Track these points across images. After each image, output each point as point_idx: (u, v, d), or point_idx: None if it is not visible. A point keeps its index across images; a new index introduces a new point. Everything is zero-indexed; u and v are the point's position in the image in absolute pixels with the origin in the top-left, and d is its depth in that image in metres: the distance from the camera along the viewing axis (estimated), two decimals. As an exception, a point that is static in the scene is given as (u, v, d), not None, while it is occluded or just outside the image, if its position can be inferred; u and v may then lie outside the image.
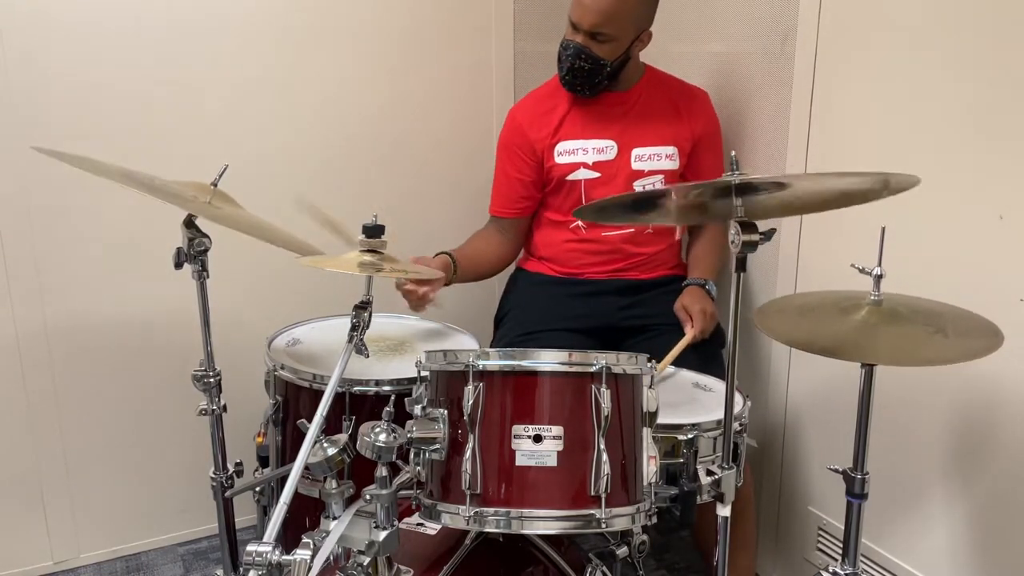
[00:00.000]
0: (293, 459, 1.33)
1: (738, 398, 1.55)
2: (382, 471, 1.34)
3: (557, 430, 1.31)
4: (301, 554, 1.21)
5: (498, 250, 2.17)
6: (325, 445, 1.38)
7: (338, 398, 1.65)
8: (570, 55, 1.95)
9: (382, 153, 2.44)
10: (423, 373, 1.42)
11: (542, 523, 1.32)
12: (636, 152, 2.04)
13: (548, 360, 1.34)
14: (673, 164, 2.06)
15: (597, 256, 2.10)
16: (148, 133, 2.15)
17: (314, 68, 2.31)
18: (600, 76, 1.97)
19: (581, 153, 2.04)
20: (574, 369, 1.34)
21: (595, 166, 2.04)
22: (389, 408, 1.36)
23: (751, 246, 1.25)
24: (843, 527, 1.49)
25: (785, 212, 1.69)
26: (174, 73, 2.15)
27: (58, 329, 2.17)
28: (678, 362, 1.84)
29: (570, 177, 2.05)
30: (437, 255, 2.01)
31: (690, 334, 1.90)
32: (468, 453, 1.32)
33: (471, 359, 1.34)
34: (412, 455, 1.39)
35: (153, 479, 2.35)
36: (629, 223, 2.04)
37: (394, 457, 1.35)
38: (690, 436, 1.54)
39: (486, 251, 2.15)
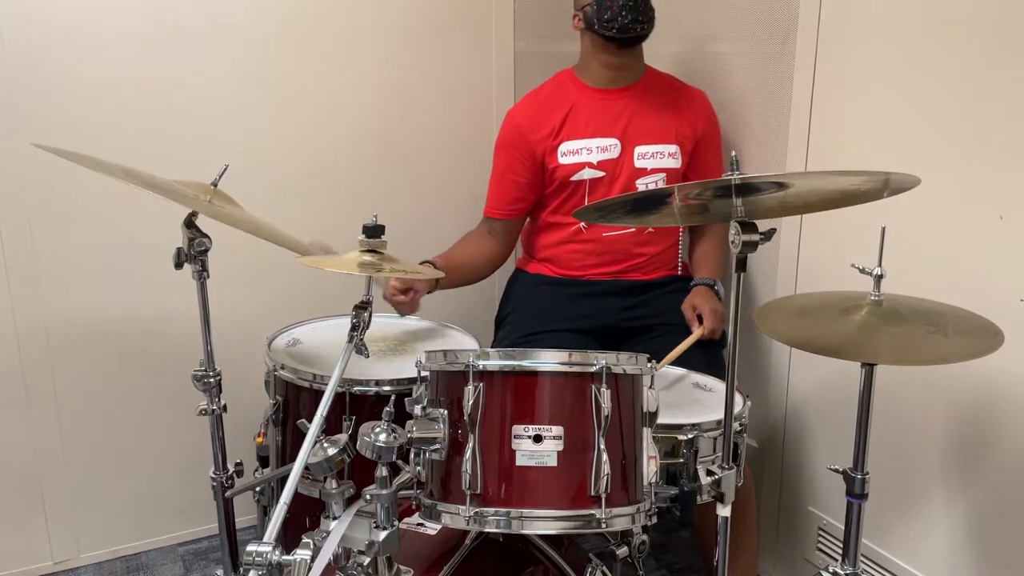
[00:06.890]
0: (293, 459, 1.32)
1: (738, 398, 1.56)
2: (382, 471, 1.34)
3: (557, 430, 1.31)
4: (301, 554, 1.21)
5: (486, 253, 2.15)
6: (325, 445, 1.38)
7: (338, 398, 1.65)
8: None
9: (382, 153, 2.44)
10: (423, 373, 1.42)
11: (542, 523, 1.32)
12: (639, 150, 2.04)
13: (548, 360, 1.34)
14: (676, 163, 2.06)
15: (598, 257, 2.09)
16: (148, 133, 2.14)
17: (314, 69, 2.31)
18: (650, 7, 1.97)
19: (585, 153, 2.03)
20: (574, 369, 1.34)
21: (599, 165, 2.03)
22: (389, 408, 1.36)
23: (751, 246, 1.25)
24: (843, 527, 1.49)
25: (785, 212, 1.69)
26: (174, 73, 2.15)
27: (58, 329, 2.17)
28: (683, 362, 1.84)
29: (574, 178, 2.04)
30: (421, 264, 1.96)
31: (698, 331, 1.90)
32: (468, 453, 1.32)
33: (471, 359, 1.34)
34: (412, 455, 1.39)
35: (153, 479, 2.35)
36: (630, 224, 2.03)
37: (394, 457, 1.35)
38: (690, 436, 1.54)
39: (473, 255, 2.13)
